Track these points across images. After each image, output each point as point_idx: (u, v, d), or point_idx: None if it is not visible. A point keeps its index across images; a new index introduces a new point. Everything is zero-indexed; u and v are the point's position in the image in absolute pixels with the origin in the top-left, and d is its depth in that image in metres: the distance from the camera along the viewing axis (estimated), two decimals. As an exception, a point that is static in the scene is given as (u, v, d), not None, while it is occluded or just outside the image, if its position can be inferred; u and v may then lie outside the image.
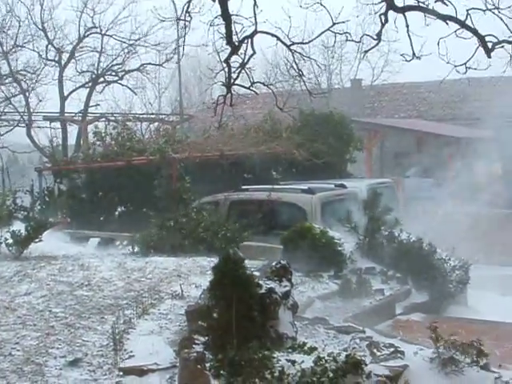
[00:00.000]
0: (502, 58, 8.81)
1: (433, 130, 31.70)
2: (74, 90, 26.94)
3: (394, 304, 10.02)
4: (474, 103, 36.38)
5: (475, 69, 8.66)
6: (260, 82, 8.95)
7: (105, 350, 7.07)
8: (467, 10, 8.13)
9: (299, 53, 8.98)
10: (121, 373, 6.54)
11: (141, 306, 8.36)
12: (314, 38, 9.19)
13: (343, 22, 8.85)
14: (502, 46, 8.44)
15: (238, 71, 8.48)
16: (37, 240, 12.85)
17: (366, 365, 5.98)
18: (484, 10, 8.24)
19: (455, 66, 8.69)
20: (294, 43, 8.87)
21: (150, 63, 28.24)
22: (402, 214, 19.35)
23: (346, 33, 8.99)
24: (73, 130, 26.18)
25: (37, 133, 25.57)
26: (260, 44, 9.21)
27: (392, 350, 6.60)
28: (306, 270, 10.65)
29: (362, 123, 28.86)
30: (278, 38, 8.63)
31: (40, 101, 26.28)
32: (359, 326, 7.89)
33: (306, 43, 9.18)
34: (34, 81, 26.84)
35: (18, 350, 7.03)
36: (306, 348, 6.49)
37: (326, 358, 6.04)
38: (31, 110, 25.82)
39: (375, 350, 6.64)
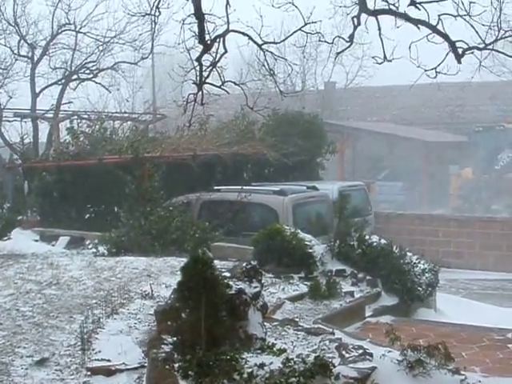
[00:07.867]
0: (471, 64, 8.89)
1: (404, 134, 31.94)
2: (46, 87, 26.61)
3: (363, 306, 10.05)
4: (445, 108, 36.75)
5: (445, 74, 8.72)
6: (231, 81, 8.95)
7: (72, 349, 7.00)
8: (438, 15, 8.19)
9: (271, 52, 8.99)
10: (88, 373, 6.47)
11: (110, 305, 8.30)
12: (286, 38, 9.21)
13: (315, 23, 8.88)
14: (472, 52, 8.51)
15: (209, 70, 8.47)
16: (5, 238, 12.75)
17: (335, 366, 6.00)
18: (455, 16, 8.29)
19: (425, 71, 8.76)
20: (265, 42, 8.88)
21: (124, 61, 28.05)
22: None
23: (318, 33, 9.01)
24: (44, 128, 25.90)
25: (7, 129, 25.28)
26: (235, 42, 9.22)
27: (361, 351, 6.62)
28: (277, 271, 10.67)
29: (335, 126, 29.00)
30: (250, 37, 8.64)
31: (10, 97, 25.94)
32: (329, 327, 7.90)
33: (277, 43, 9.20)
34: (4, 76, 26.52)
35: (-16, 349, 6.93)
36: (275, 349, 6.49)
37: (295, 359, 6.05)
38: (1, 106, 25.49)
39: (344, 352, 6.65)
